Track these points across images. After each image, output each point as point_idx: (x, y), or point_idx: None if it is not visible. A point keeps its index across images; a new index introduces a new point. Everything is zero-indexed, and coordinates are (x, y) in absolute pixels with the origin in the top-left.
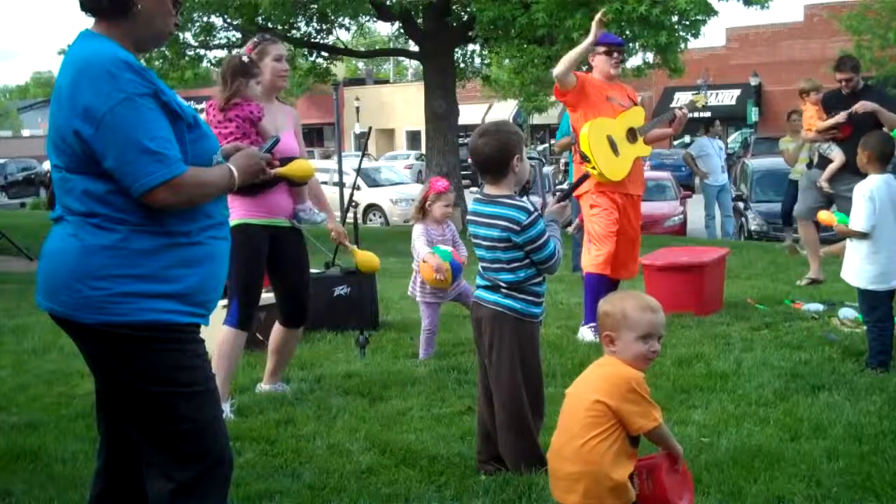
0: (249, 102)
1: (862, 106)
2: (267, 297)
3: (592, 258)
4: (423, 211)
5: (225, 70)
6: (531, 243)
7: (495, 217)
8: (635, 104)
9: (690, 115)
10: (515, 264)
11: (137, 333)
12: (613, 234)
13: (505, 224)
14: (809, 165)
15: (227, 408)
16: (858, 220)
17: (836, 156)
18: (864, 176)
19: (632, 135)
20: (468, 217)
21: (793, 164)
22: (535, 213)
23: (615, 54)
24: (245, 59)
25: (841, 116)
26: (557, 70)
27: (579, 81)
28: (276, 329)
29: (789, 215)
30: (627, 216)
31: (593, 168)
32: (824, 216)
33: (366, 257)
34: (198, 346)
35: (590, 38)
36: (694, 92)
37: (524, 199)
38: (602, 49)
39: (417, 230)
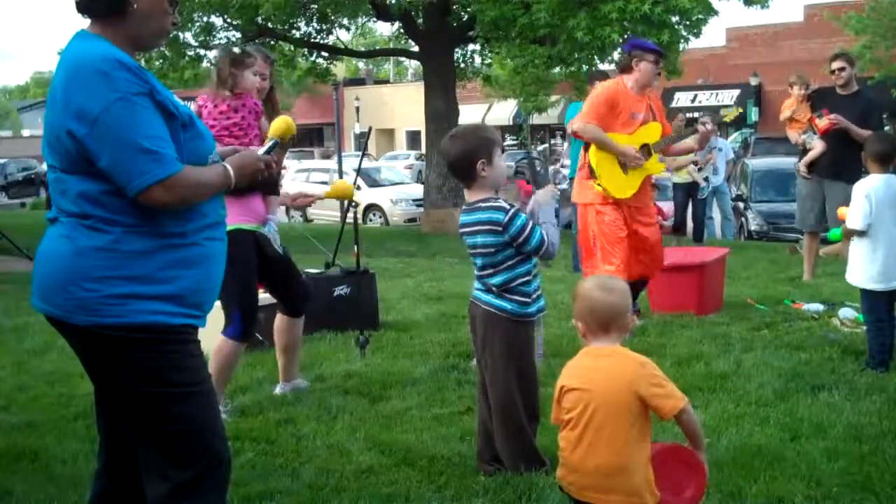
0: (251, 96)
1: (835, 119)
2: (265, 297)
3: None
4: None
5: (223, 62)
6: (517, 237)
7: (478, 223)
8: (654, 118)
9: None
10: (507, 263)
11: (131, 335)
12: (624, 239)
13: (488, 227)
14: (700, 170)
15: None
16: (855, 218)
17: (817, 144)
18: (837, 170)
19: (645, 151)
20: (459, 230)
21: (675, 168)
22: (513, 209)
23: (660, 63)
24: (237, 49)
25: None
26: (585, 135)
27: (608, 107)
28: (279, 323)
29: (684, 225)
30: (639, 221)
31: (598, 185)
32: (844, 211)
33: (339, 185)
34: (193, 347)
35: (630, 152)
36: (727, 106)
37: (501, 199)
38: (651, 57)
39: None
